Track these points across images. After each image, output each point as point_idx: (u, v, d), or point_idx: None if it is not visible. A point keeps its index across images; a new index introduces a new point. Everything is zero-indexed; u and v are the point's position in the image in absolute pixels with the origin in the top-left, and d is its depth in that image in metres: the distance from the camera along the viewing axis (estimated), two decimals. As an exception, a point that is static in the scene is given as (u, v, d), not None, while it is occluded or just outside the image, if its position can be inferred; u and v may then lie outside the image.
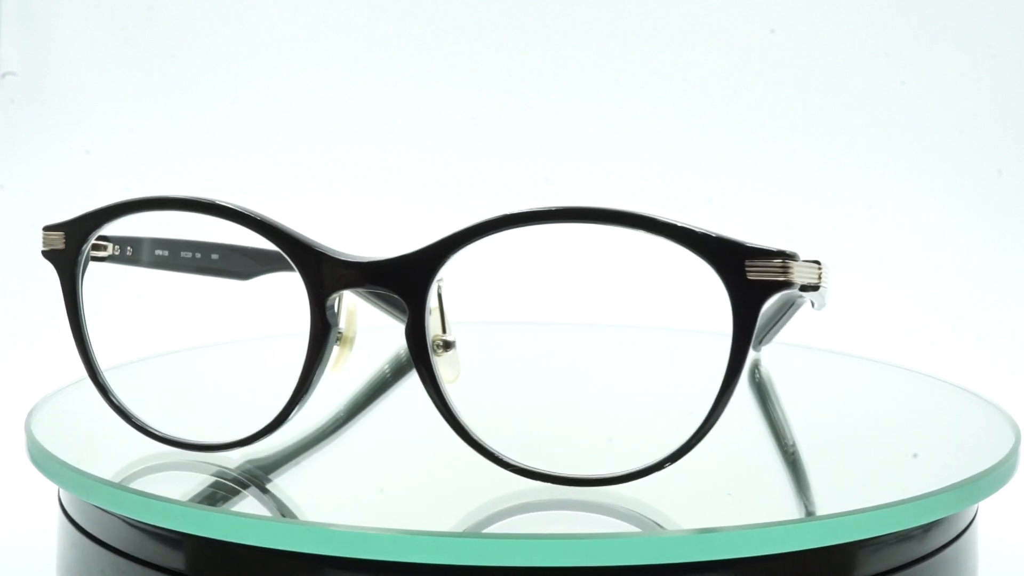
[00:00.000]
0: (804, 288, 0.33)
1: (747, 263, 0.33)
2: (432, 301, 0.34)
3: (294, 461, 0.38)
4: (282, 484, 0.36)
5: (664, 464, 0.34)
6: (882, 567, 0.35)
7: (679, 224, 0.34)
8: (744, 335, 0.33)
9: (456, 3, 0.75)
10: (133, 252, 0.43)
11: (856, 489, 0.36)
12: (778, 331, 0.45)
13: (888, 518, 0.33)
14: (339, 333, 0.37)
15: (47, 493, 0.41)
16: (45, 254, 0.38)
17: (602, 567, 0.31)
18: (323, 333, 0.35)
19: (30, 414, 0.40)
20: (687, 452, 0.34)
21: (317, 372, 0.35)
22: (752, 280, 0.33)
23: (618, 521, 0.33)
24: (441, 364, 0.34)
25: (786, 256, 0.32)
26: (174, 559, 0.34)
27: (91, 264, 0.39)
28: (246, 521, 0.32)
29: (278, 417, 0.36)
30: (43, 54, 0.74)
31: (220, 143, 0.74)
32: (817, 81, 0.74)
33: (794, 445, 0.39)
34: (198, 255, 0.45)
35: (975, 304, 0.71)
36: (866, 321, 0.69)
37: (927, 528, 0.36)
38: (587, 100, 0.75)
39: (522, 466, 0.34)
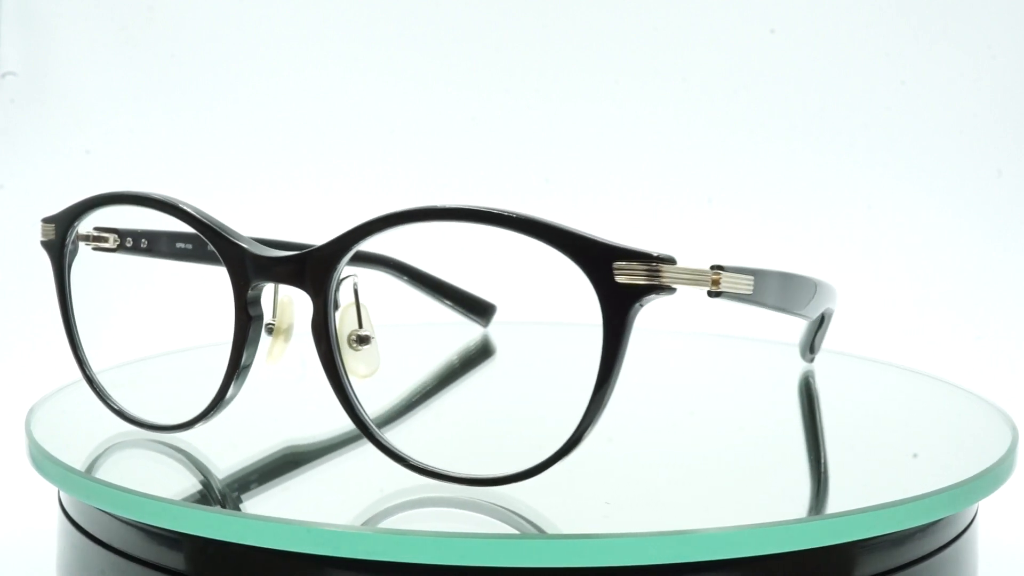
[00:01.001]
0: (719, 293, 0.33)
1: (615, 265, 0.32)
2: (348, 296, 0.34)
3: (308, 462, 0.38)
4: (282, 485, 0.36)
5: (544, 467, 0.34)
6: (882, 567, 0.35)
7: (546, 223, 0.32)
8: (614, 338, 0.32)
9: (456, 3, 0.75)
10: (148, 244, 0.44)
11: (856, 489, 0.36)
12: (822, 338, 0.44)
13: (887, 518, 0.33)
14: (271, 324, 0.37)
15: (47, 493, 0.41)
16: (42, 243, 0.40)
17: (602, 567, 0.31)
18: (243, 323, 0.36)
19: (30, 414, 0.40)
20: (565, 455, 0.33)
21: (244, 362, 0.36)
22: (621, 283, 0.32)
23: (496, 521, 0.33)
24: (356, 359, 0.34)
25: (657, 259, 0.32)
26: (174, 559, 0.34)
27: (93, 255, 0.41)
28: (246, 521, 0.32)
29: (208, 406, 0.37)
30: (43, 54, 0.74)
31: (220, 143, 0.74)
32: (817, 81, 0.74)
33: (825, 462, 0.39)
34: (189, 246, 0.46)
35: (975, 304, 0.71)
36: (866, 321, 0.69)
37: (927, 528, 0.36)
38: (587, 100, 0.75)
39: (420, 465, 0.34)
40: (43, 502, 0.43)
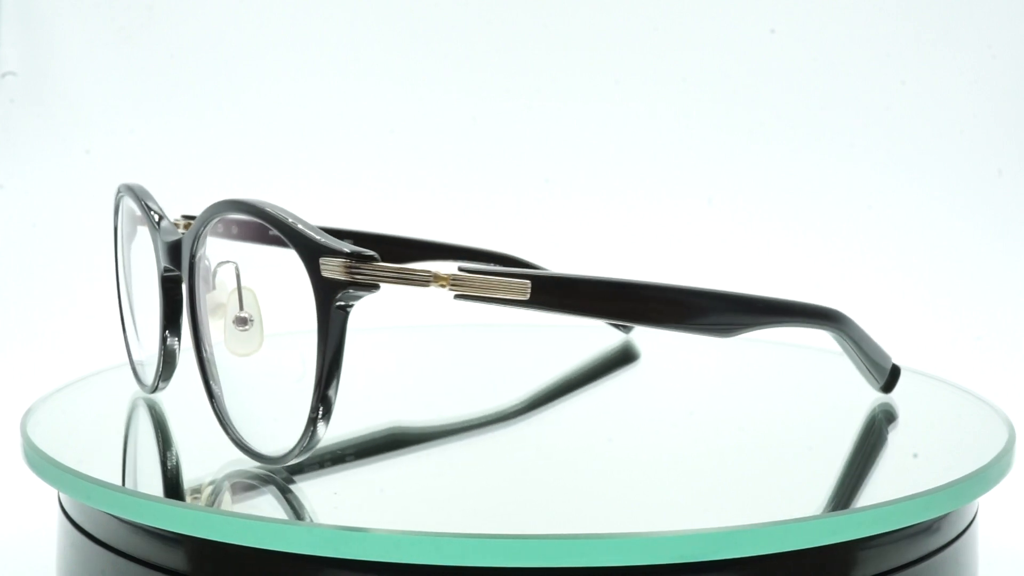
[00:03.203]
0: (469, 296, 0.34)
1: (322, 260, 0.33)
2: (231, 281, 0.36)
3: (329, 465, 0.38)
4: (282, 485, 0.36)
5: (286, 458, 0.35)
6: (883, 567, 0.35)
7: (273, 214, 0.34)
8: (323, 331, 0.33)
9: (456, 3, 0.75)
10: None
11: (855, 488, 0.36)
12: (868, 354, 0.43)
13: (885, 517, 0.33)
14: (242, 316, 0.37)
15: (47, 493, 0.40)
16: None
17: (603, 567, 0.31)
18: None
19: (27, 414, 0.40)
20: (302, 450, 0.35)
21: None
22: (326, 277, 0.33)
23: (496, 521, 0.34)
24: (237, 339, 0.36)
25: (354, 256, 0.33)
26: (174, 559, 0.34)
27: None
28: (246, 521, 0.32)
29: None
30: (43, 54, 0.74)
31: (220, 143, 0.74)
32: (817, 81, 0.74)
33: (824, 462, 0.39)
34: None
35: (975, 304, 0.71)
36: (866, 321, 0.69)
37: (927, 528, 0.36)
38: (587, 100, 0.75)
39: (234, 437, 0.36)
40: (43, 502, 0.43)
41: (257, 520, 0.32)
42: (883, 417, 0.42)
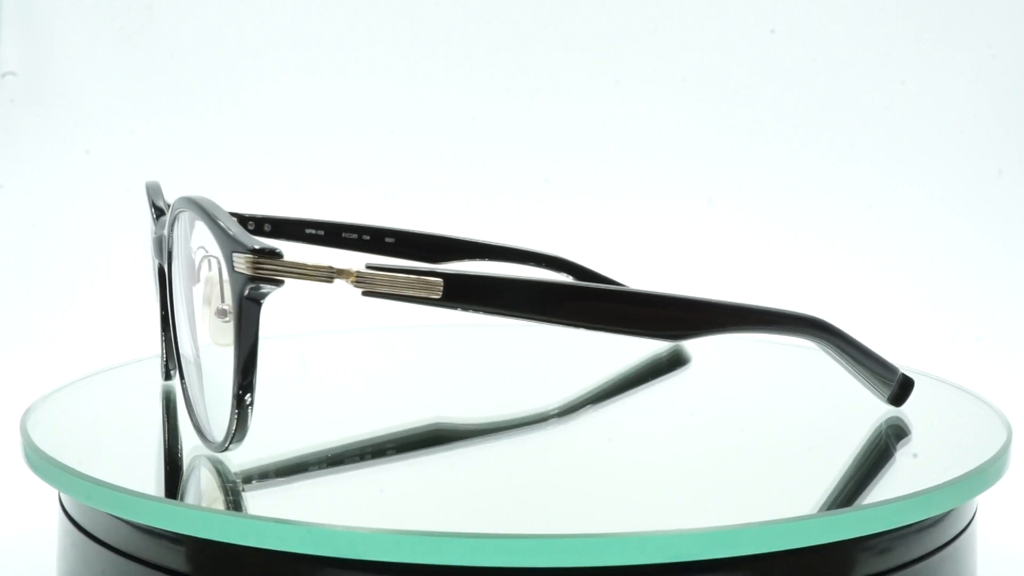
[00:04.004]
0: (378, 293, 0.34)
1: (234, 255, 0.34)
2: (216, 274, 0.37)
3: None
4: (282, 485, 0.36)
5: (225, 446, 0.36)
6: (882, 566, 0.35)
7: (205, 209, 0.36)
8: (238, 322, 0.34)
9: (456, 3, 0.75)
10: (273, 228, 0.47)
11: (856, 488, 0.36)
12: (863, 365, 0.43)
13: (883, 516, 0.34)
14: (223, 308, 0.37)
15: (47, 493, 0.40)
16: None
17: (602, 567, 0.31)
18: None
19: (27, 414, 0.40)
20: (233, 438, 0.35)
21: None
22: (236, 271, 0.34)
23: (496, 521, 0.34)
24: (217, 329, 0.37)
25: (258, 252, 0.34)
26: (174, 559, 0.34)
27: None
28: (246, 521, 0.32)
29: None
30: (43, 54, 0.74)
31: (220, 143, 0.74)
32: (817, 81, 0.74)
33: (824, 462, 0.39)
34: (366, 237, 0.48)
35: (975, 304, 0.71)
36: (866, 321, 0.69)
37: (927, 527, 0.36)
38: (587, 100, 0.75)
39: (197, 424, 0.37)
40: (43, 502, 0.43)
41: (257, 520, 0.32)
42: (883, 417, 0.42)
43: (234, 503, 0.35)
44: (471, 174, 0.74)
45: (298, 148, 0.74)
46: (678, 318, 0.38)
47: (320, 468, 0.38)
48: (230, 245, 0.35)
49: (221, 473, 0.36)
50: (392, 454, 0.39)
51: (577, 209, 0.73)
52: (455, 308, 0.36)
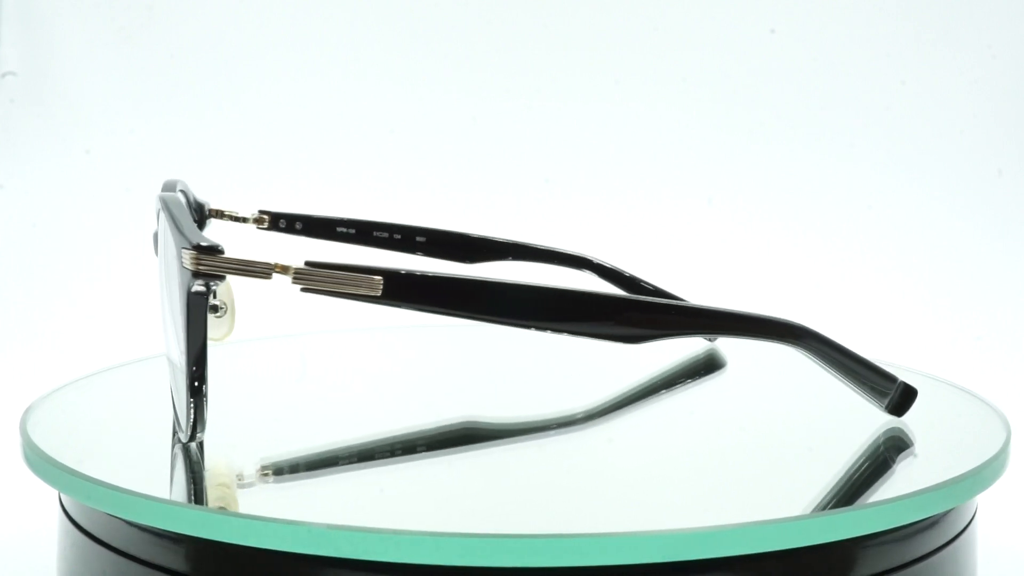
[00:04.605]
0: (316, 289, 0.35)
1: (183, 251, 0.35)
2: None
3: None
4: (282, 485, 0.36)
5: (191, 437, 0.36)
6: (882, 566, 0.35)
7: (171, 208, 0.37)
8: (185, 315, 0.35)
9: (456, 3, 0.75)
10: (303, 226, 0.47)
11: (855, 488, 0.36)
12: (854, 372, 0.42)
13: (881, 515, 0.34)
14: (215, 304, 0.38)
15: (47, 493, 0.41)
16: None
17: (602, 567, 0.31)
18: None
19: (27, 414, 0.40)
20: (193, 427, 0.36)
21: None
22: (184, 267, 0.35)
23: (497, 521, 0.34)
24: (212, 324, 0.37)
25: (199, 248, 0.35)
26: (174, 559, 0.34)
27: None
28: (246, 521, 0.32)
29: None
30: (43, 54, 0.74)
31: (220, 143, 0.74)
32: (817, 81, 0.74)
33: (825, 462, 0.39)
34: (397, 236, 0.48)
35: (975, 304, 0.71)
36: (866, 321, 0.69)
37: (926, 526, 0.36)
38: (587, 100, 0.75)
39: (176, 416, 0.38)
40: (43, 502, 0.43)
41: (257, 520, 0.32)
42: (884, 418, 0.42)
43: (234, 503, 0.35)
44: (471, 174, 0.74)
45: (298, 148, 0.74)
46: (637, 320, 0.37)
47: (320, 468, 0.38)
48: (179, 241, 0.35)
49: (221, 473, 0.36)
50: (391, 455, 0.39)
51: (577, 209, 0.73)
52: (396, 306, 0.36)
